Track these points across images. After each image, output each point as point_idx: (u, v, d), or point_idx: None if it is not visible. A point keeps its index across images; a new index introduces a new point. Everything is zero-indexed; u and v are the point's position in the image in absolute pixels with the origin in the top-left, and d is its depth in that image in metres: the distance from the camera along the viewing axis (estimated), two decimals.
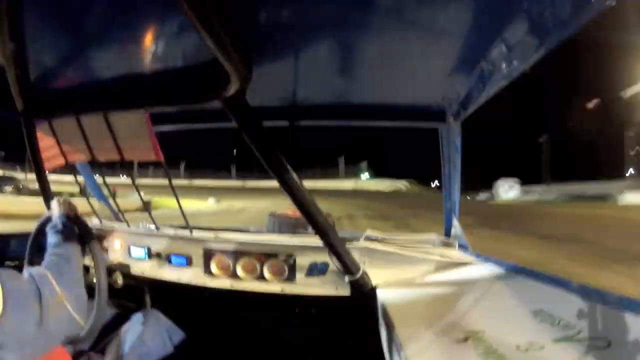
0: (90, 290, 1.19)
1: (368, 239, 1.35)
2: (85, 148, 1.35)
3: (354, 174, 41.93)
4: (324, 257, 1.26)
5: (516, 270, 1.03)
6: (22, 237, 1.43)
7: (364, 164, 44.00)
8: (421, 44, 0.85)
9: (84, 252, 1.12)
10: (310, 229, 1.15)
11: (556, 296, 0.79)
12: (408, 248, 1.27)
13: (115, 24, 0.81)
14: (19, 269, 1.32)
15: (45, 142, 1.41)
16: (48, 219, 1.41)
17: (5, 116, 1.27)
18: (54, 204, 1.18)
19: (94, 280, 1.17)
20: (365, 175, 42.60)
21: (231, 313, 1.46)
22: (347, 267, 1.21)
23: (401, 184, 38.70)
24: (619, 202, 16.76)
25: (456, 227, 1.47)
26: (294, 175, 1.03)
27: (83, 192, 1.75)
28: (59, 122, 1.33)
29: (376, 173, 42.99)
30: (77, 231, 1.12)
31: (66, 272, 0.88)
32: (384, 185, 37.01)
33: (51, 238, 1.04)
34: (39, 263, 1.36)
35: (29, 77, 1.06)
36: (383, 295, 1.10)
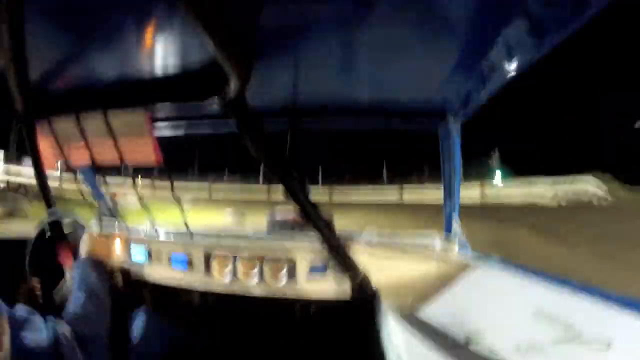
0: None
1: (368, 239, 1.35)
2: (86, 149, 1.36)
3: (479, 174, 18.48)
4: (325, 260, 1.26)
5: (516, 271, 1.03)
6: (22, 241, 1.43)
7: (495, 158, 22.14)
8: (421, 44, 0.85)
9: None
10: (310, 230, 1.15)
11: (556, 296, 0.79)
12: (408, 248, 1.27)
13: (116, 25, 0.81)
14: (20, 273, 1.33)
15: (46, 143, 1.42)
16: (49, 222, 1.41)
17: (6, 117, 1.27)
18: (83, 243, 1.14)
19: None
20: (498, 177, 18.84)
21: (231, 316, 1.46)
22: (348, 267, 1.20)
23: (588, 185, 14.43)
24: None
25: (456, 227, 1.47)
26: (294, 176, 1.04)
27: (83, 194, 1.75)
28: (59, 123, 1.33)
29: (517, 169, 18.49)
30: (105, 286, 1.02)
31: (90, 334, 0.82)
32: (540, 190, 15.01)
33: (76, 284, 0.96)
34: (38, 266, 1.37)
35: (29, 78, 1.07)
36: (383, 296, 1.10)
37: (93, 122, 1.28)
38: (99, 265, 1.06)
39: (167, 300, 1.54)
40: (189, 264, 1.41)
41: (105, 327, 0.89)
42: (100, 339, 0.85)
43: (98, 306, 0.90)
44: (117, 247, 1.53)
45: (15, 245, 1.48)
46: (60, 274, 1.37)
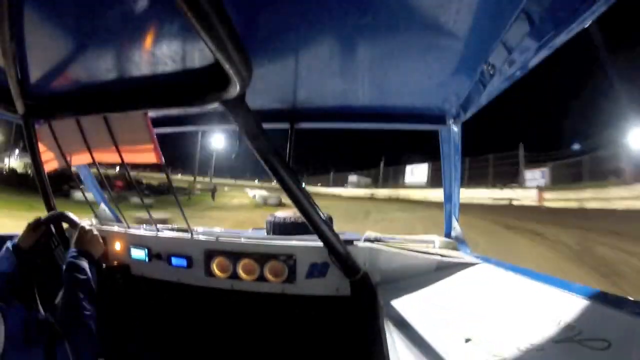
0: None
1: (368, 239, 1.36)
2: (86, 150, 1.35)
3: None
4: (325, 258, 1.26)
5: (516, 271, 1.04)
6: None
7: None
8: (421, 46, 0.86)
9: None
10: (310, 230, 1.15)
11: (556, 296, 0.79)
12: (408, 249, 1.28)
13: (116, 27, 0.81)
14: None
15: (46, 144, 1.41)
16: (48, 219, 1.40)
17: (6, 118, 1.27)
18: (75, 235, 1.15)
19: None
20: None
21: (232, 314, 1.46)
22: (348, 267, 1.21)
23: None
24: None
25: (456, 228, 1.47)
26: (295, 177, 1.04)
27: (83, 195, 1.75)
28: (59, 125, 1.33)
29: None
30: (88, 272, 1.04)
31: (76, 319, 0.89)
32: None
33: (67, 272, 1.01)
34: (34, 264, 1.36)
35: (29, 79, 1.06)
36: (384, 296, 1.10)
37: (93, 122, 1.27)
38: (88, 256, 1.09)
39: (166, 299, 1.54)
40: (189, 262, 1.41)
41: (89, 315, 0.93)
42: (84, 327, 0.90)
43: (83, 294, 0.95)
44: (117, 246, 1.53)
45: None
46: (56, 272, 1.36)
